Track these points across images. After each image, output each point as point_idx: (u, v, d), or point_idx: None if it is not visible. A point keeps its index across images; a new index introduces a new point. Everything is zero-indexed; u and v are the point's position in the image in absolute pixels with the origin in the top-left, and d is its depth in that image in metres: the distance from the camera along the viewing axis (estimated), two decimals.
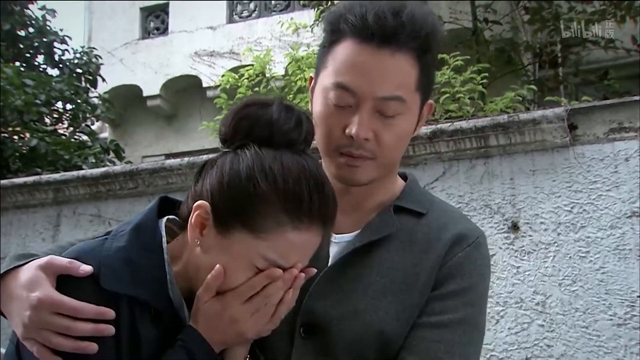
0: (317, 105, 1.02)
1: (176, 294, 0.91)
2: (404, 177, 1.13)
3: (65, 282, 0.85)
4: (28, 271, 0.87)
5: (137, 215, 0.96)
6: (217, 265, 0.87)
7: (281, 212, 0.85)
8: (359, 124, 0.94)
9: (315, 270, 0.93)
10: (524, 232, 2.49)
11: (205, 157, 3.21)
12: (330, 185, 0.91)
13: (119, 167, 3.71)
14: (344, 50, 0.96)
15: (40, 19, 7.37)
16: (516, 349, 2.41)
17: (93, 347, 0.83)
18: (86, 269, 0.84)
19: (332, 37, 0.99)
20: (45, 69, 7.44)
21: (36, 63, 7.47)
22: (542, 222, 2.48)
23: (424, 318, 0.97)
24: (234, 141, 0.91)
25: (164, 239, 0.93)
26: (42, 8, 7.47)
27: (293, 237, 0.86)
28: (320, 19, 4.59)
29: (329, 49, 0.99)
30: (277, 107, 0.91)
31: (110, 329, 0.84)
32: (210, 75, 8.76)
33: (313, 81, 1.06)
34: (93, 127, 6.83)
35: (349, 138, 0.95)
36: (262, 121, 0.90)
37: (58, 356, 0.84)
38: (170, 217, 0.98)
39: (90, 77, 7.17)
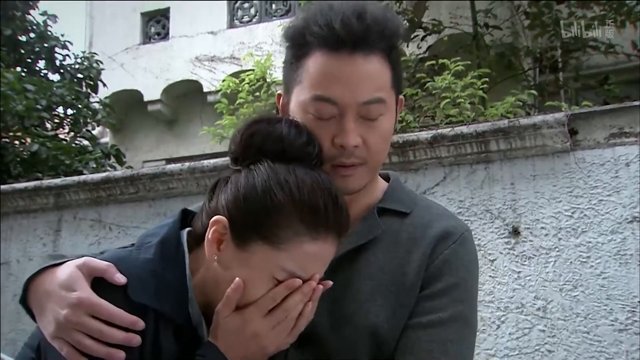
0: None
1: (195, 309, 0.91)
2: (387, 177, 1.13)
3: (99, 285, 0.85)
4: (67, 269, 0.86)
5: (161, 227, 0.96)
6: (237, 279, 0.86)
7: (298, 223, 0.86)
8: (347, 132, 0.94)
9: (331, 283, 0.92)
10: (525, 237, 2.49)
11: (206, 162, 3.22)
12: (343, 198, 0.91)
13: (119, 172, 3.70)
14: (316, 62, 0.95)
15: (42, 24, 7.37)
16: (517, 354, 2.40)
17: (121, 355, 0.83)
18: (121, 279, 0.84)
19: (299, 51, 0.98)
20: (46, 74, 7.44)
21: (37, 68, 7.47)
22: (542, 227, 2.47)
23: (415, 319, 0.97)
24: (245, 157, 0.91)
25: (187, 254, 0.93)
26: (44, 13, 7.47)
27: (311, 248, 0.87)
28: None
29: (298, 64, 0.98)
30: (286, 123, 0.92)
31: (138, 340, 0.84)
32: (211, 80, 8.77)
33: (282, 98, 1.05)
34: (94, 132, 6.82)
35: (339, 148, 0.95)
36: (273, 136, 0.90)
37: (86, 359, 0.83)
38: (189, 229, 0.97)
39: (91, 82, 7.17)
